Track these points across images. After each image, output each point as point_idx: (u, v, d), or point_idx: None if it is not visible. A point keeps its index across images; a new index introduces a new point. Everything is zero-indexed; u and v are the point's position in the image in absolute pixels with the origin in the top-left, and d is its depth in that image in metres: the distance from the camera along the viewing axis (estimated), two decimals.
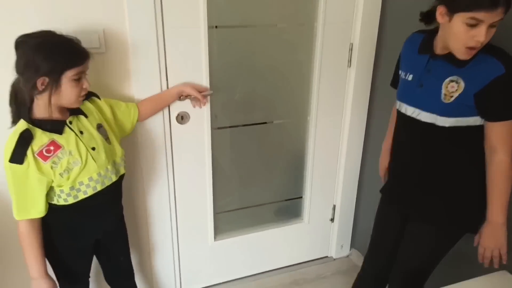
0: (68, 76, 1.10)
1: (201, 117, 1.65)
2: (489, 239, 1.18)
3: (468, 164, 1.22)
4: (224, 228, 1.93)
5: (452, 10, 1.04)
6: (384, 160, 1.56)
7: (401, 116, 1.30)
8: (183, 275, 1.90)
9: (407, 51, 1.32)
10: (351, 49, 1.77)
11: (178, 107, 1.59)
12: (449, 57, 1.13)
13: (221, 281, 2.01)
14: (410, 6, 1.59)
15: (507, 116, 1.10)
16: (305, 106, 1.86)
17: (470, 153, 1.21)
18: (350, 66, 1.80)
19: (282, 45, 1.73)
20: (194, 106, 1.58)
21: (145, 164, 1.61)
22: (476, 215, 1.25)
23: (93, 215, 1.29)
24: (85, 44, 1.19)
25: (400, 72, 1.33)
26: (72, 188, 1.18)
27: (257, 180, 1.94)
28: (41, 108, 1.13)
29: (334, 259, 2.20)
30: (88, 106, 1.28)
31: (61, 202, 1.19)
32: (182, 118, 1.62)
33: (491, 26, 1.01)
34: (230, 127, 1.78)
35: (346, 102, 1.87)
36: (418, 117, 1.22)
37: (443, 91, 1.14)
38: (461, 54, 1.08)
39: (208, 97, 1.61)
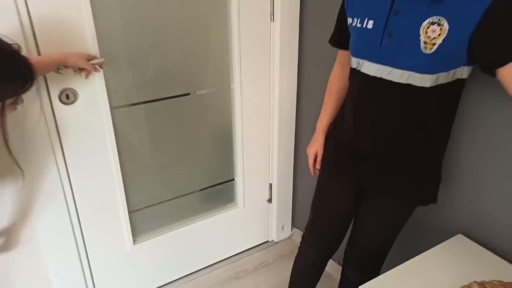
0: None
1: (94, 93, 1.28)
2: None
3: (442, 130, 1.02)
4: (144, 228, 1.61)
5: None
6: (319, 143, 1.26)
7: (361, 77, 1.00)
8: None
9: None
10: (272, 2, 1.51)
11: (59, 82, 1.22)
12: None
13: None
14: None
15: None
16: (227, 72, 1.57)
17: (441, 119, 0.99)
18: (273, 20, 1.54)
19: (194, 2, 1.41)
20: (84, 75, 1.20)
21: (23, 163, 1.22)
22: (437, 185, 1.08)
23: None
24: None
25: (350, 20, 1.02)
26: None
27: (180, 166, 1.63)
28: None
29: (276, 243, 1.99)
30: None
31: None
32: (67, 97, 1.24)
33: None
34: (135, 104, 1.43)
35: (273, 64, 1.62)
36: (388, 77, 0.93)
37: (422, 37, 0.86)
38: None
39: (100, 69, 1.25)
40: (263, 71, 1.61)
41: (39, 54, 1.15)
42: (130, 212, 1.51)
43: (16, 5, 1.07)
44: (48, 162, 1.27)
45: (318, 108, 1.28)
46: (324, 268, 1.35)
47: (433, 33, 0.85)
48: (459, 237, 1.15)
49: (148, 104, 1.45)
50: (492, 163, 1.07)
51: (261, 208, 1.89)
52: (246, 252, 1.92)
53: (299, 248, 1.36)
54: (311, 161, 1.30)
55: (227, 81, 1.58)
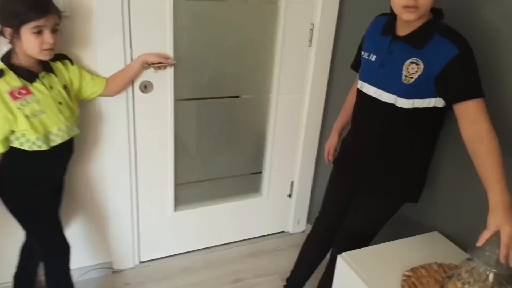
0: (27, 29, 1.17)
1: (164, 87, 1.68)
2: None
3: (418, 145, 1.31)
4: (184, 199, 1.98)
5: None
6: (332, 140, 1.61)
7: (362, 95, 1.34)
8: (142, 245, 1.93)
9: (372, 33, 1.36)
10: (312, 30, 1.85)
11: (141, 76, 1.62)
12: (409, 38, 1.19)
13: (180, 252, 2.06)
14: None
15: (473, 95, 1.10)
16: (267, 83, 1.92)
17: (421, 135, 1.30)
18: (311, 46, 1.88)
19: (247, 22, 1.79)
20: (156, 71, 1.61)
21: (106, 131, 1.63)
22: (417, 186, 1.37)
23: (52, 165, 1.39)
24: None
25: (363, 53, 1.36)
26: (45, 135, 1.27)
27: (219, 154, 2.00)
28: (17, 55, 1.23)
29: (291, 234, 2.30)
30: (58, 66, 1.39)
31: (33, 148, 1.26)
32: (145, 87, 1.64)
33: None
34: (193, 99, 1.82)
35: (306, 81, 1.95)
36: (379, 97, 1.26)
37: (404, 72, 1.19)
38: (402, 14, 1.14)
39: (172, 67, 1.64)
40: (298, 85, 1.95)
41: (131, 54, 1.56)
42: (176, 184, 1.89)
43: (122, 14, 1.49)
44: (123, 134, 1.67)
45: None
46: (328, 246, 1.63)
47: (412, 69, 1.18)
48: (435, 234, 1.42)
49: (203, 100, 1.83)
50: (468, 174, 1.33)
51: (282, 201, 2.21)
52: (265, 237, 2.24)
53: (312, 226, 1.69)
54: (325, 153, 1.66)
55: (267, 90, 1.94)
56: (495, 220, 0.99)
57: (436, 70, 1.13)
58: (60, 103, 1.32)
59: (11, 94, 1.21)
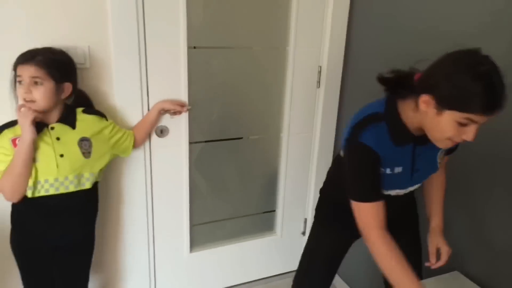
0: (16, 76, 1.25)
1: (180, 131, 1.73)
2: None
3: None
4: (199, 241, 1.99)
5: (445, 106, 0.95)
6: None
7: (385, 196, 1.18)
8: (158, 286, 1.93)
9: (382, 151, 1.11)
10: (319, 72, 1.93)
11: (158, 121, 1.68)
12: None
13: None
14: (373, 32, 1.77)
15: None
16: (278, 124, 1.98)
17: None
18: (319, 87, 1.95)
19: (257, 66, 1.86)
20: (172, 117, 1.68)
21: (124, 175, 1.67)
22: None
23: (48, 216, 1.34)
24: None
25: (382, 170, 1.15)
26: (34, 183, 1.27)
27: (232, 194, 2.02)
28: None
29: None
30: (86, 118, 1.39)
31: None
32: (161, 131, 1.70)
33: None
34: (207, 141, 1.87)
35: (316, 120, 2.01)
36: (411, 189, 1.27)
37: (438, 159, 1.22)
38: (441, 144, 1.05)
39: (187, 112, 1.71)
40: (308, 124, 2.00)
41: (148, 101, 1.63)
42: (191, 226, 1.91)
43: (139, 65, 1.57)
44: (140, 176, 1.71)
45: None
46: None
47: (441, 154, 1.24)
48: (455, 273, 1.41)
49: (215, 142, 1.88)
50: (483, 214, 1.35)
51: (296, 239, 2.20)
52: (279, 276, 2.22)
53: None
54: None
55: (278, 130, 1.99)
56: (435, 240, 1.30)
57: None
58: (61, 155, 1.29)
59: (13, 141, 1.27)
